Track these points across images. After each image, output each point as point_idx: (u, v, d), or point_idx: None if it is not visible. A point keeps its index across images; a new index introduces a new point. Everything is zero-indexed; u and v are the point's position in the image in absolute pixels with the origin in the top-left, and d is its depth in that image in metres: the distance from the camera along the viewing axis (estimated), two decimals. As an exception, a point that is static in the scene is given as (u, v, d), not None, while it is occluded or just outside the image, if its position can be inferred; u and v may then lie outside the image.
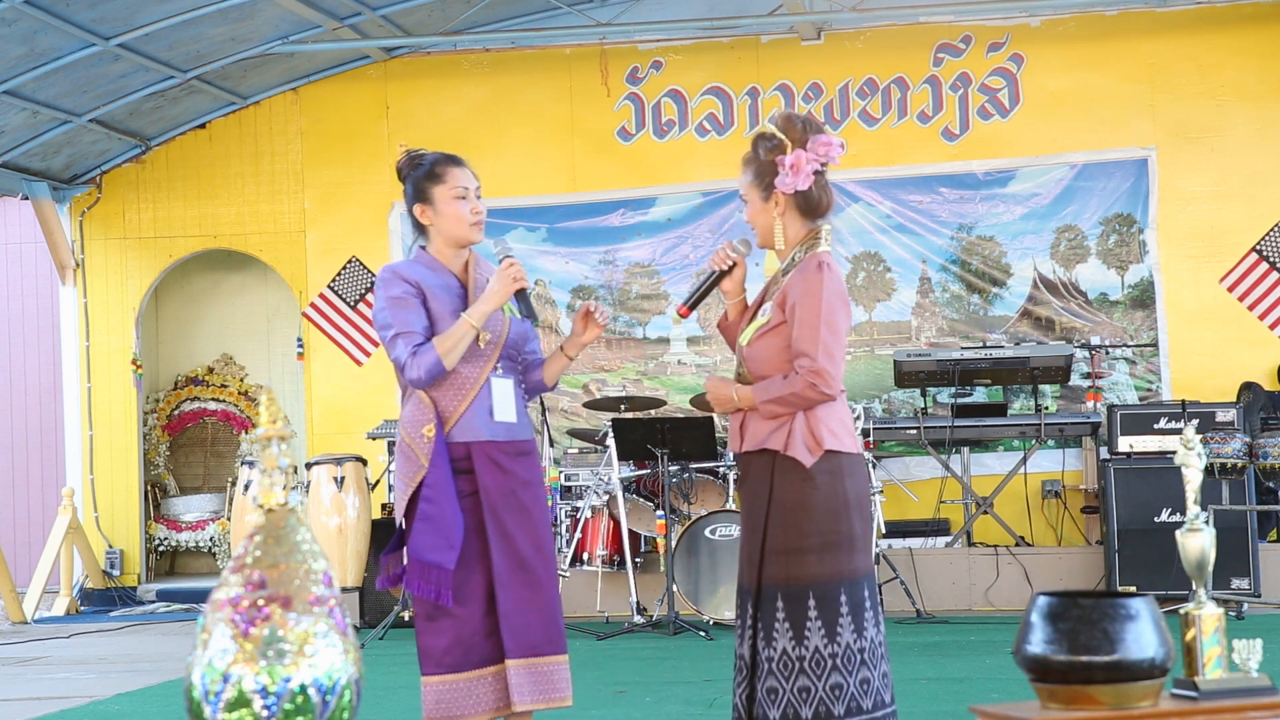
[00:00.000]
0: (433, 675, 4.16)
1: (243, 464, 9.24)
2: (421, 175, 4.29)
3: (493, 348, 4.25)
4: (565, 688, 4.23)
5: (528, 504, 4.25)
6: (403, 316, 4.17)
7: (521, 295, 4.25)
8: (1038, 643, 2.96)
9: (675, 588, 8.60)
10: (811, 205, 3.91)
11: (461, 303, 4.25)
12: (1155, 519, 8.73)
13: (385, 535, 9.36)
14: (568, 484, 9.55)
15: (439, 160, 4.31)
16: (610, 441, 8.92)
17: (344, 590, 8.77)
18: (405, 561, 4.19)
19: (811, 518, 3.79)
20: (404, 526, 4.21)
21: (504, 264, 4.22)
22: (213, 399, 13.02)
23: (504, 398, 4.25)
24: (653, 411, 9.92)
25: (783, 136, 3.87)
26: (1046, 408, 10.25)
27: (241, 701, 2.26)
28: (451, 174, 4.27)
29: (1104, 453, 9.43)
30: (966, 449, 10.25)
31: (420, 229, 4.34)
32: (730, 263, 4.03)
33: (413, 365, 4.13)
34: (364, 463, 9.10)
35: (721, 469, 9.22)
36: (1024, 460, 10.07)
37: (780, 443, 3.82)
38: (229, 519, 11.65)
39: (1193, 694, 3.04)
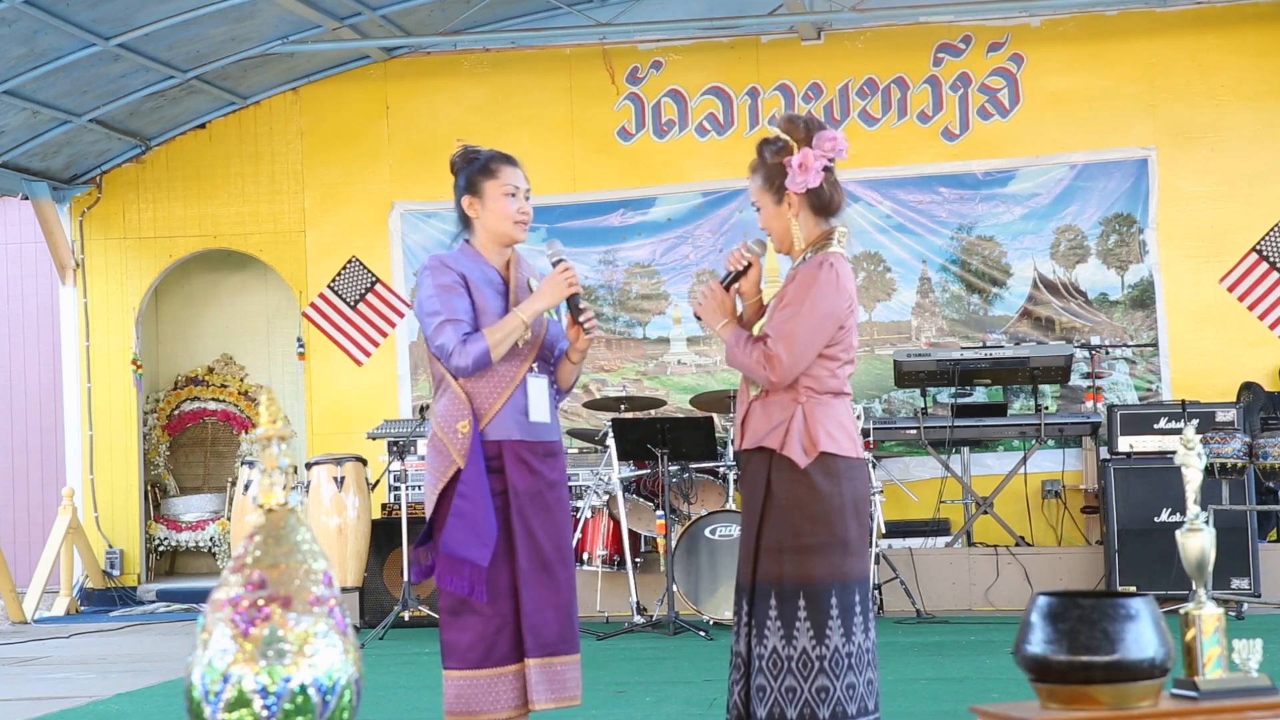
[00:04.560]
0: (455, 670, 4.17)
1: (243, 464, 9.25)
2: (475, 169, 4.32)
3: (530, 347, 4.27)
4: (576, 687, 4.26)
5: (552, 505, 4.27)
6: (451, 304, 4.18)
7: (573, 301, 4.27)
8: (1038, 643, 2.96)
9: (675, 588, 8.60)
10: (824, 203, 3.93)
11: (503, 299, 4.27)
12: (1155, 519, 8.73)
13: (385, 535, 9.39)
14: (568, 484, 9.54)
15: (494, 157, 4.35)
16: (610, 441, 8.92)
17: (344, 590, 8.77)
18: (434, 555, 4.21)
19: (806, 518, 3.80)
20: (432, 521, 4.22)
21: (559, 267, 4.26)
22: (213, 399, 13.02)
23: (539, 398, 4.27)
24: (653, 411, 9.92)
25: (787, 138, 3.89)
26: (1046, 408, 10.24)
27: (241, 701, 2.26)
28: (505, 171, 4.31)
29: (1104, 453, 9.43)
30: (966, 449, 10.25)
31: (465, 223, 4.36)
32: (745, 263, 4.04)
33: (461, 353, 4.14)
34: (364, 463, 9.10)
35: (721, 469, 9.22)
36: (1024, 460, 10.07)
37: (777, 441, 3.84)
38: (229, 519, 11.65)
39: (1193, 694, 3.04)
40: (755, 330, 3.99)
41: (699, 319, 4.10)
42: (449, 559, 4.14)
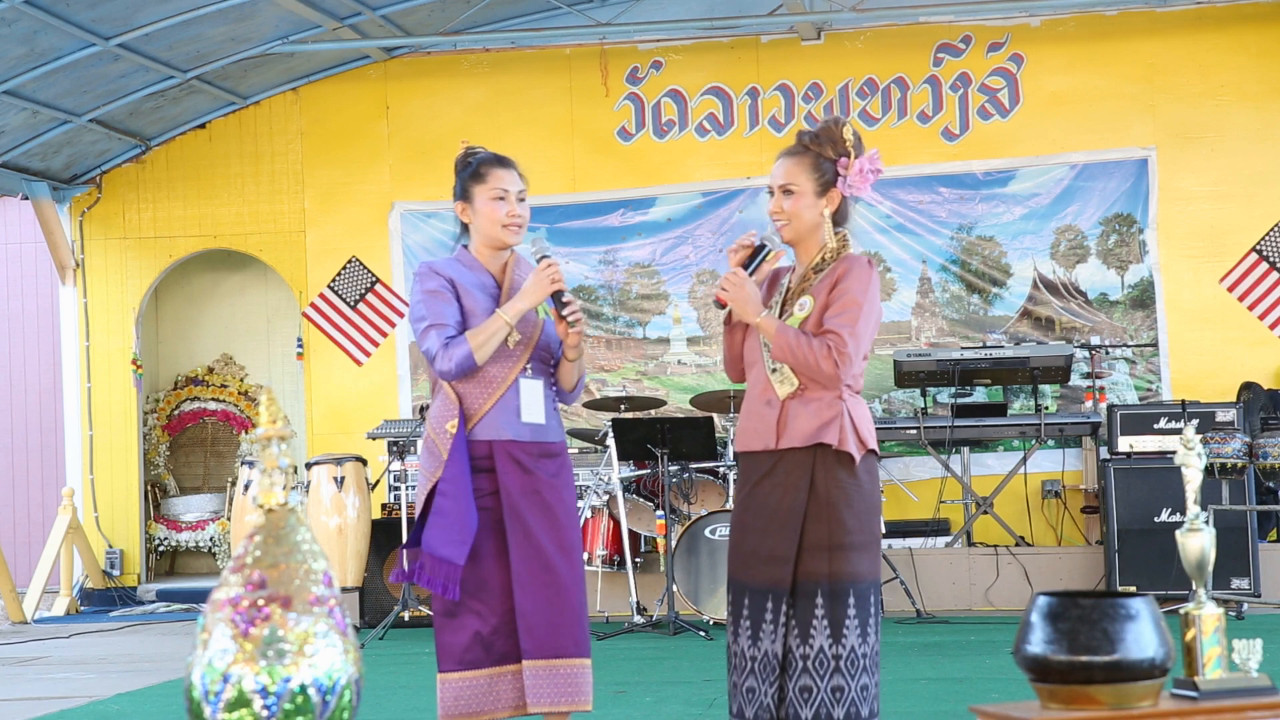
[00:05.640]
0: (450, 672, 4.15)
1: (243, 464, 9.24)
2: (467, 175, 4.33)
3: (523, 348, 4.25)
4: (586, 691, 4.19)
5: (552, 504, 4.24)
6: (437, 309, 4.19)
7: (558, 297, 4.25)
8: (1038, 643, 2.96)
9: (675, 588, 8.60)
10: (845, 213, 4.02)
11: (495, 302, 4.26)
12: (1155, 519, 8.73)
13: (385, 535, 9.38)
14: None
15: (485, 160, 4.34)
16: (610, 441, 8.92)
17: (344, 590, 8.77)
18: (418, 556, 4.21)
19: (854, 515, 3.84)
20: (420, 522, 4.22)
21: (542, 264, 4.24)
22: (213, 399, 13.02)
23: (532, 399, 4.25)
24: (653, 411, 9.92)
25: (849, 140, 3.94)
26: (1046, 408, 10.24)
27: (241, 701, 2.26)
28: (494, 175, 4.29)
29: (1104, 453, 9.43)
30: (966, 449, 10.25)
31: (464, 228, 4.37)
32: (761, 243, 4.02)
33: (444, 357, 4.14)
34: (364, 463, 9.10)
35: (721, 469, 9.22)
36: (1024, 460, 10.07)
37: (834, 437, 3.84)
38: (229, 519, 11.65)
39: (1193, 694, 3.04)
40: (794, 324, 3.93)
41: (721, 306, 3.99)
42: (429, 558, 4.14)
